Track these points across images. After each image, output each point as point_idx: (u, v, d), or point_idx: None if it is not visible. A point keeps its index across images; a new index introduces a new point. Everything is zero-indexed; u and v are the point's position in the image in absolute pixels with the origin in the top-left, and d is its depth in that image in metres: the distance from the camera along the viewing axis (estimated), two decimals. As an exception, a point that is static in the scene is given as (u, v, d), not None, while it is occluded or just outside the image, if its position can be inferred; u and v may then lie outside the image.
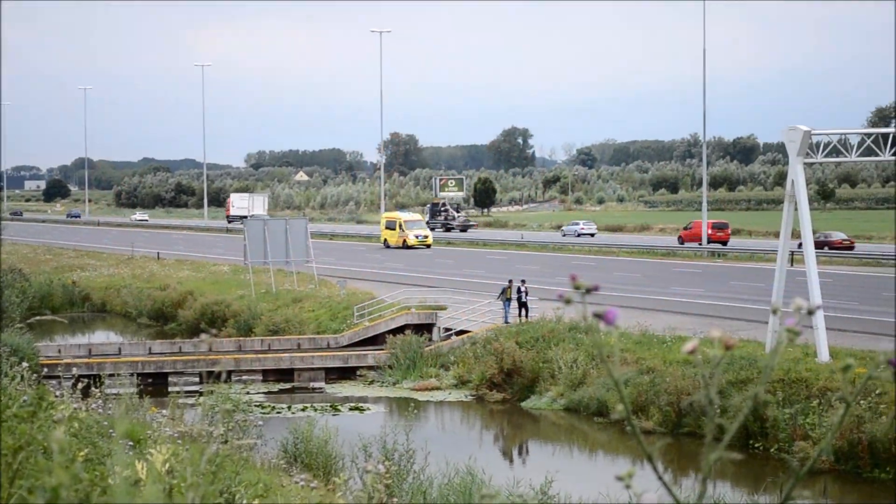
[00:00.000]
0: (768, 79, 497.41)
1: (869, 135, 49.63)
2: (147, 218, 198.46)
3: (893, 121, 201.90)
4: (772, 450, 36.43)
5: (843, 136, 47.80)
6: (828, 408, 36.37)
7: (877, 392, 35.91)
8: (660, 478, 3.74)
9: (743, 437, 37.43)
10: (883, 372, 3.59)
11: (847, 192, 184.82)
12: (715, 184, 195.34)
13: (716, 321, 49.40)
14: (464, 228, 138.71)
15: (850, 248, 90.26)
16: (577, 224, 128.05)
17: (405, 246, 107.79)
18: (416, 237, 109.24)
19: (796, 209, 42.98)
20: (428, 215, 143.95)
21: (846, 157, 48.79)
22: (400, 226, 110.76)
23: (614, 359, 3.67)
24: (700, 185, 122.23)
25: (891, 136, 47.86)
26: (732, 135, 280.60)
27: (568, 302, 3.70)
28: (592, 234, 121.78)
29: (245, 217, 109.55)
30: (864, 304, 56.62)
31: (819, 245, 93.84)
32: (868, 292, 62.53)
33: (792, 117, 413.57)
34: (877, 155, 47.84)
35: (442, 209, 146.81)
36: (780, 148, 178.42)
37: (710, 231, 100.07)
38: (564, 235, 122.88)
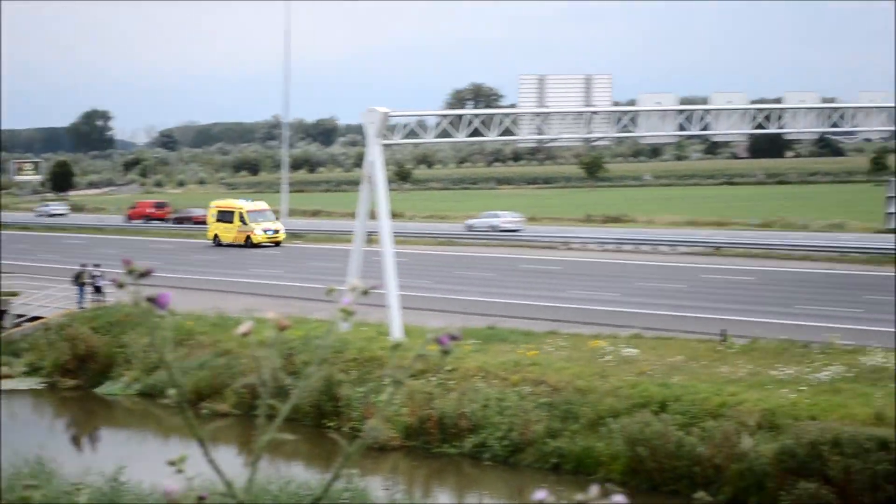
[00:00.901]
0: (349, 61, 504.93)
1: (445, 116, 51.16)
2: None
3: (469, 103, 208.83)
4: (345, 428, 36.82)
5: (420, 118, 49.09)
6: (400, 386, 37.13)
7: (447, 369, 37.04)
8: (210, 461, 3.61)
9: (317, 417, 37.83)
10: (431, 349, 3.57)
11: (424, 172, 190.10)
12: (296, 165, 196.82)
13: (294, 302, 49.69)
14: None
15: (204, 222, 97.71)
16: (47, 206, 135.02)
17: (249, 244, 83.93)
18: (265, 232, 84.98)
19: (374, 190, 43.82)
20: None
21: (423, 138, 50.13)
22: (241, 217, 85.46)
23: (168, 343, 3.50)
24: (281, 166, 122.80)
25: (465, 117, 49.48)
26: (314, 116, 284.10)
27: (121, 286, 3.51)
28: (63, 214, 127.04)
29: None
30: (439, 283, 58.26)
31: (181, 220, 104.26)
32: (443, 271, 64.39)
33: (372, 99, 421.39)
34: (452, 136, 49.37)
35: None
36: (360, 129, 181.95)
37: (151, 209, 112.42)
38: (39, 216, 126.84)
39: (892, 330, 41.12)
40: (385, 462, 35.21)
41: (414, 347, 3.24)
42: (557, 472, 33.28)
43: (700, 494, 30.40)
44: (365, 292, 3.66)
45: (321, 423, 37.45)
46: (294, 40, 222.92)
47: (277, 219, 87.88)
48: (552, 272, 63.40)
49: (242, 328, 3.65)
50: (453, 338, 3.41)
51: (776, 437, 30.59)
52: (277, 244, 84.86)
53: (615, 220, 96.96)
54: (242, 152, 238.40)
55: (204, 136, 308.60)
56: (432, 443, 36.08)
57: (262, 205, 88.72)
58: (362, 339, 40.94)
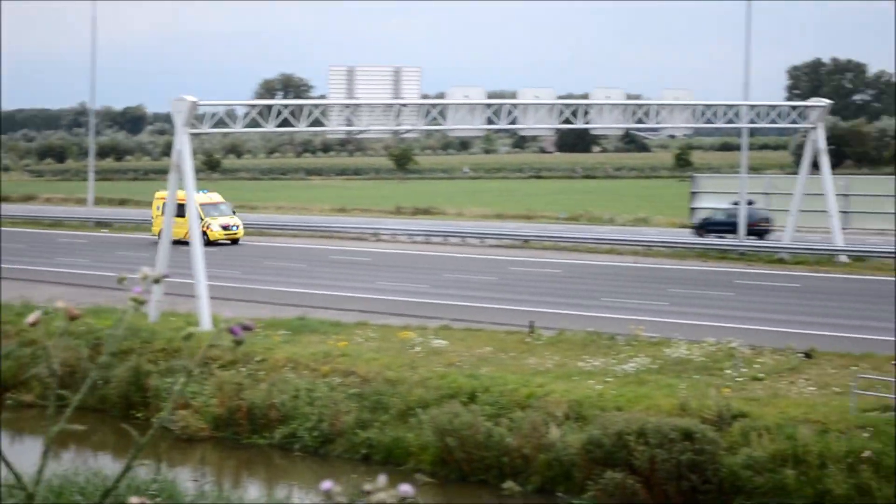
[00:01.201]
0: (158, 49, 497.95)
1: (254, 106, 50.76)
2: None
3: (279, 93, 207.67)
4: (153, 419, 36.37)
5: (229, 108, 48.66)
6: (209, 375, 36.88)
7: (257, 359, 36.81)
8: (-1, 454, 3.51)
9: (125, 408, 37.31)
10: (223, 339, 3.50)
11: (234, 162, 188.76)
12: (103, 153, 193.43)
13: (104, 292, 48.91)
14: None
15: None
16: None
17: (205, 241, 64.48)
18: (223, 227, 73.15)
19: (183, 179, 43.43)
20: None
21: (232, 128, 49.73)
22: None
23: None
24: (87, 154, 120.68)
25: (274, 108, 49.19)
26: (121, 104, 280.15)
27: None
28: None
29: None
30: (249, 274, 57.87)
31: None
32: (253, 262, 63.93)
33: (180, 88, 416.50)
34: (262, 126, 49.06)
35: None
36: (169, 118, 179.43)
37: None
38: None
39: (696, 323, 42.32)
40: (194, 453, 34.85)
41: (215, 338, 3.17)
42: (368, 463, 33.33)
43: (508, 485, 30.74)
44: (156, 281, 3.57)
45: (129, 414, 36.92)
46: (101, 25, 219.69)
47: (234, 212, 76.29)
48: (362, 263, 63.39)
49: (31, 318, 3.55)
50: (246, 328, 3.35)
51: (583, 427, 31.07)
52: (235, 241, 73.94)
53: (425, 212, 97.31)
54: (48, 139, 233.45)
55: (8, 122, 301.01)
56: (242, 433, 35.84)
57: (216, 196, 76.14)
58: (171, 329, 40.46)
